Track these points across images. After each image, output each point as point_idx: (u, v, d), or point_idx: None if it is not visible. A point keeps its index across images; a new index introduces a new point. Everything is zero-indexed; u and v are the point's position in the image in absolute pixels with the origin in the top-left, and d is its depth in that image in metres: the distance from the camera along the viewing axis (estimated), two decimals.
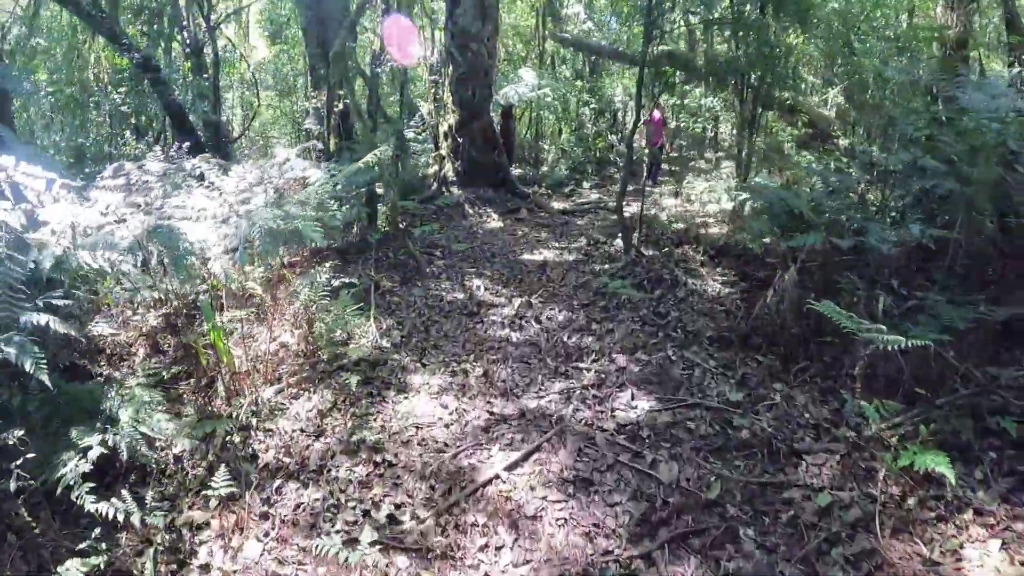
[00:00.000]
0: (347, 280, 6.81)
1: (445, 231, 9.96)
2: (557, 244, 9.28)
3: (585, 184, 16.51)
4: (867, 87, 13.29)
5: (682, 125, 18.18)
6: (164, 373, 5.39)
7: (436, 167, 12.12)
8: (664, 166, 18.76)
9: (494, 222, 10.74)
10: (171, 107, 13.31)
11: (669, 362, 5.23)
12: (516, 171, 15.38)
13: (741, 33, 8.83)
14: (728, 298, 6.47)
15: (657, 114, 18.39)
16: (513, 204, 11.51)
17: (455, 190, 11.61)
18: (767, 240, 6.78)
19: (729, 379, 4.95)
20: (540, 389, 4.98)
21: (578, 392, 4.85)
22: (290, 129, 21.12)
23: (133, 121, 14.81)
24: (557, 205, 13.62)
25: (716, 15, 8.54)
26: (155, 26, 15.27)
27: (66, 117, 13.30)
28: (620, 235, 8.42)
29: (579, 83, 20.76)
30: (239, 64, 18.79)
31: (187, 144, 6.42)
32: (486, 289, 7.28)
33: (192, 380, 5.48)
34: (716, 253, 7.79)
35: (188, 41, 15.22)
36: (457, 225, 10.46)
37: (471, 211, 11.06)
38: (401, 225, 9.70)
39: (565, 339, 5.82)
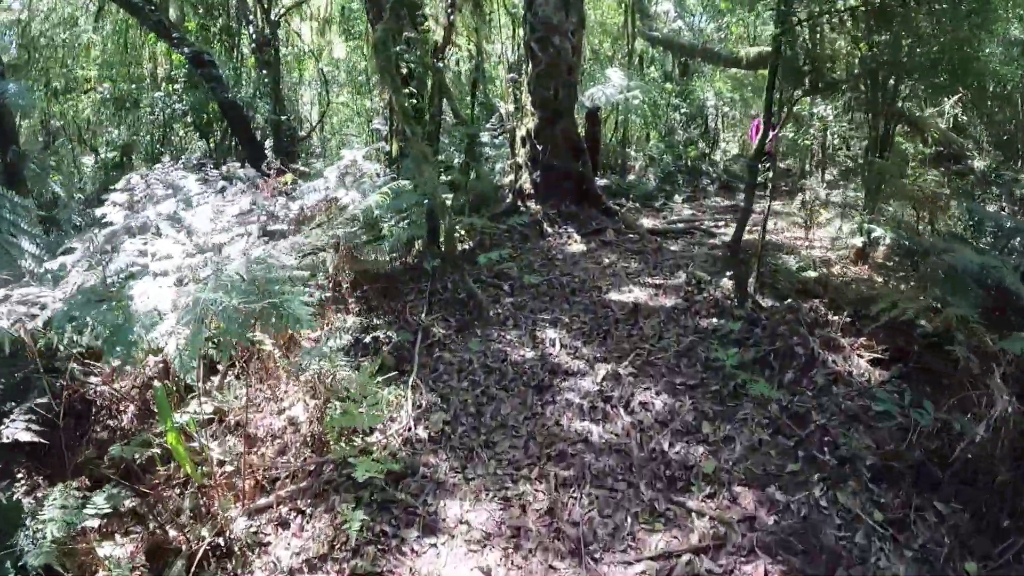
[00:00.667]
0: (383, 334, 5.24)
1: (518, 256, 8.32)
2: (650, 279, 7.50)
3: (677, 198, 14.63)
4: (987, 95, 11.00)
5: (790, 136, 16.06)
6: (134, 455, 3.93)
7: (512, 176, 10.50)
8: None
9: (576, 244, 9.04)
10: (225, 105, 12.14)
11: (818, 511, 3.45)
12: (601, 181, 13.63)
13: (895, 27, 6.84)
14: (887, 392, 4.57)
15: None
16: (598, 223, 9.77)
17: (532, 204, 9.95)
18: (950, 320, 4.85)
19: (903, 549, 3.16)
20: (629, 547, 3.28)
21: (685, 561, 3.12)
22: (366, 128, 19.92)
23: (190, 119, 13.75)
24: (647, 222, 11.80)
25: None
26: (219, 19, 14.18)
27: (117, 114, 12.27)
28: (731, 277, 6.62)
29: (668, 85, 18.81)
30: (311, 60, 17.63)
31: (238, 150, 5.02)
32: (562, 346, 5.59)
33: (163, 471, 4.03)
34: (855, 313, 5.89)
35: (254, 35, 14.07)
36: (533, 248, 8.80)
37: (550, 230, 9.38)
38: (465, 247, 8.13)
39: (665, 446, 4.07)
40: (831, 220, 10.15)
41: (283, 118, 14.00)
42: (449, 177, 10.15)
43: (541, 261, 8.21)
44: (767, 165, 16.59)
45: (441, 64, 7.03)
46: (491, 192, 10.70)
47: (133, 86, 12.84)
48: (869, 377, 4.85)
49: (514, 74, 11.91)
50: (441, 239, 8.01)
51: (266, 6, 13.52)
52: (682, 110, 19.14)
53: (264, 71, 13.61)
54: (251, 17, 14.17)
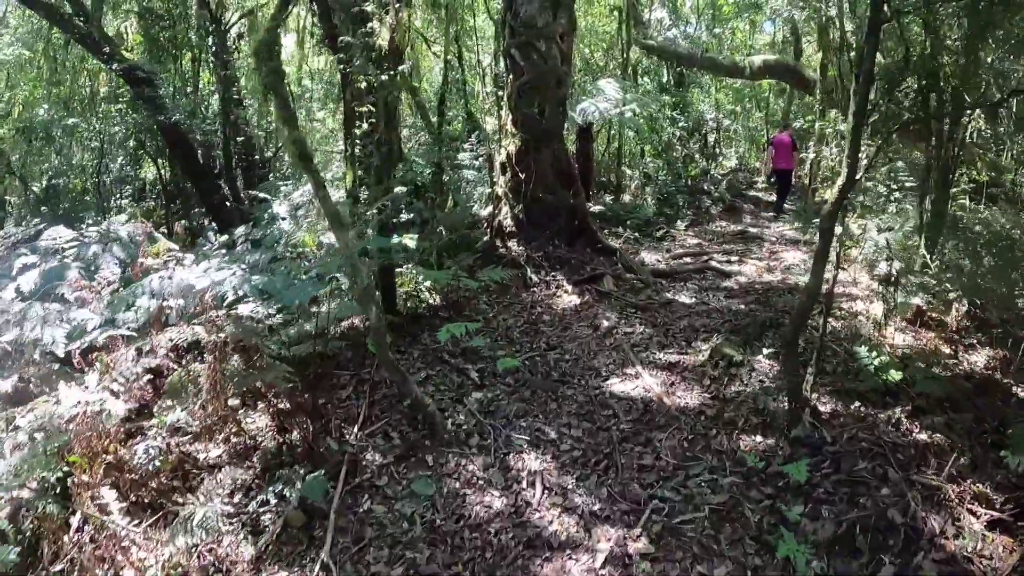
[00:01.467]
0: (276, 491, 3.52)
1: (493, 320, 6.58)
2: (662, 355, 5.77)
3: (680, 224, 12.93)
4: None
5: (814, 155, 14.35)
6: None
7: (491, 209, 8.78)
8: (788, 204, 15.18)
9: (566, 297, 7.30)
10: (165, 128, 10.39)
11: None
12: (594, 207, 11.93)
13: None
14: None
15: (786, 136, 14.69)
16: (594, 267, 8.03)
17: (514, 245, 8.20)
18: None
19: None
20: None
21: None
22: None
23: (132, 144, 11.99)
24: (649, 257, 10.09)
25: None
26: (166, 31, 12.41)
27: (36, 144, 10.50)
28: (784, 386, 4.90)
29: (665, 98, 17.16)
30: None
31: None
32: (545, 488, 3.83)
33: None
34: (947, 420, 4.17)
35: (213, 48, 12.28)
36: (513, 303, 7.07)
37: (535, 278, 7.64)
38: (433, 301, 6.43)
39: None
40: (867, 259, 8.45)
41: (240, 139, 12.27)
42: (409, 215, 8.46)
43: (523, 325, 6.47)
44: (789, 172, 14.95)
45: (389, 75, 5.30)
46: (466, 226, 8.97)
47: (53, 112, 11.02)
48: (991, 554, 3.13)
49: (500, 87, 10.20)
50: (397, 303, 6.29)
51: (217, 14, 11.76)
52: (680, 124, 17.50)
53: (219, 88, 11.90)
54: (209, 27, 12.39)
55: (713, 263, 9.76)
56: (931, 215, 6.38)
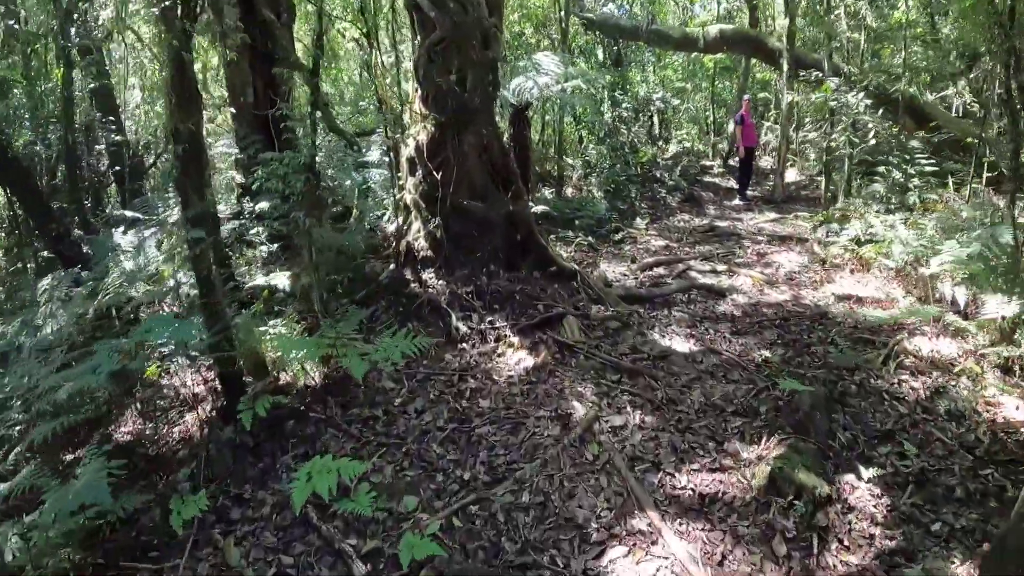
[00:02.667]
0: None
1: (400, 420, 4.01)
2: (681, 476, 3.34)
3: (639, 221, 10.59)
4: None
5: (810, 136, 12.14)
6: None
7: (398, 222, 6.16)
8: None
9: (513, 356, 4.80)
10: None
11: None
12: (537, 207, 9.47)
13: None
14: None
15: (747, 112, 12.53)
16: (548, 301, 5.52)
17: (431, 277, 5.60)
18: None
19: None
20: None
21: None
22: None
23: None
24: (612, 270, 7.70)
25: None
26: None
27: None
28: None
29: (608, 76, 14.80)
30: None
31: None
32: None
33: None
34: None
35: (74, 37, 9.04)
36: (432, 377, 4.51)
37: (463, 328, 5.08)
38: (307, 383, 3.90)
39: None
40: (897, 256, 6.24)
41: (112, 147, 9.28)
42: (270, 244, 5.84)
43: (447, 422, 3.90)
44: (752, 151, 12.75)
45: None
46: (366, 253, 6.33)
47: None
48: None
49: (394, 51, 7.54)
50: (241, 409, 3.66)
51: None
52: (624, 104, 15.18)
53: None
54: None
55: (694, 273, 7.46)
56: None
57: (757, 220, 10.98)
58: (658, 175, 13.91)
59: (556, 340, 4.99)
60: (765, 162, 16.47)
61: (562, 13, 11.98)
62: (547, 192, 12.70)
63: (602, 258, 8.52)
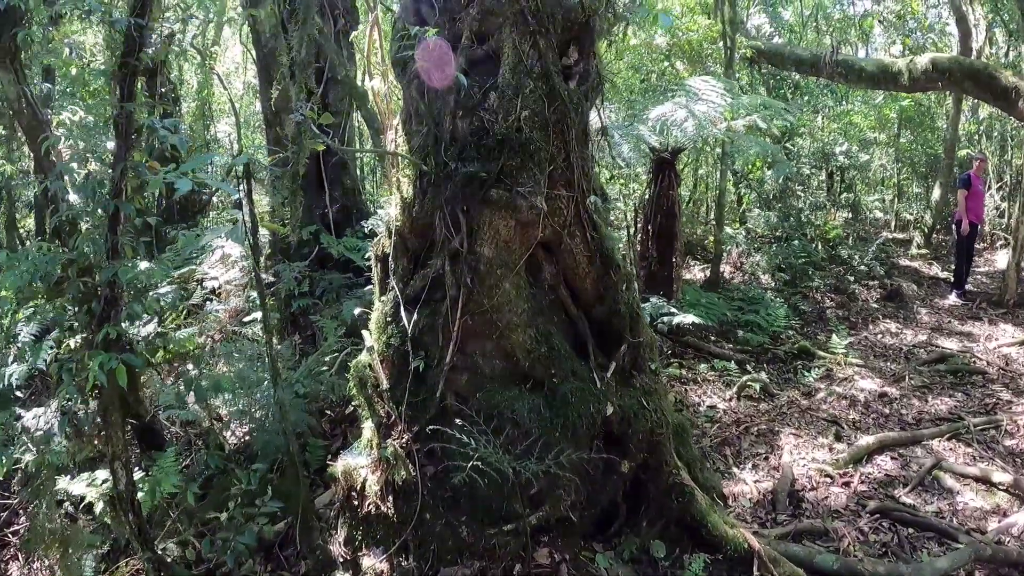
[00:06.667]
0: None
1: None
2: None
3: (835, 340, 6.54)
4: None
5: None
6: None
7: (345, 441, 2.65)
8: None
9: None
10: None
11: None
12: (685, 317, 5.88)
13: None
14: None
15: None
16: None
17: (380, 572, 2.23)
18: None
19: None
20: None
21: None
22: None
23: None
24: (800, 458, 4.03)
25: None
26: None
27: None
28: None
29: (792, 115, 10.92)
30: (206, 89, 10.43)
31: None
32: None
33: None
34: None
35: None
36: None
37: None
38: None
39: None
40: None
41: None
42: None
43: None
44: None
45: None
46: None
47: None
48: None
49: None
50: None
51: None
52: (801, 157, 11.33)
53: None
54: None
55: (950, 480, 3.74)
56: None
57: (999, 341, 6.86)
58: (845, 256, 9.84)
59: None
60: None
61: (727, 28, 8.34)
62: (696, 270, 9.07)
63: (781, 418, 4.83)
